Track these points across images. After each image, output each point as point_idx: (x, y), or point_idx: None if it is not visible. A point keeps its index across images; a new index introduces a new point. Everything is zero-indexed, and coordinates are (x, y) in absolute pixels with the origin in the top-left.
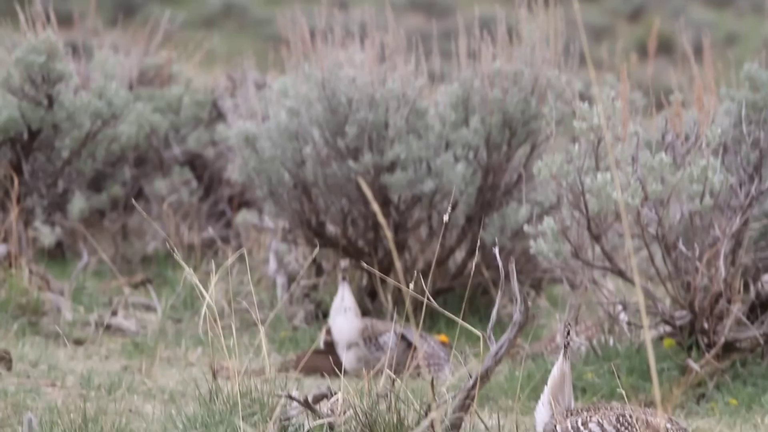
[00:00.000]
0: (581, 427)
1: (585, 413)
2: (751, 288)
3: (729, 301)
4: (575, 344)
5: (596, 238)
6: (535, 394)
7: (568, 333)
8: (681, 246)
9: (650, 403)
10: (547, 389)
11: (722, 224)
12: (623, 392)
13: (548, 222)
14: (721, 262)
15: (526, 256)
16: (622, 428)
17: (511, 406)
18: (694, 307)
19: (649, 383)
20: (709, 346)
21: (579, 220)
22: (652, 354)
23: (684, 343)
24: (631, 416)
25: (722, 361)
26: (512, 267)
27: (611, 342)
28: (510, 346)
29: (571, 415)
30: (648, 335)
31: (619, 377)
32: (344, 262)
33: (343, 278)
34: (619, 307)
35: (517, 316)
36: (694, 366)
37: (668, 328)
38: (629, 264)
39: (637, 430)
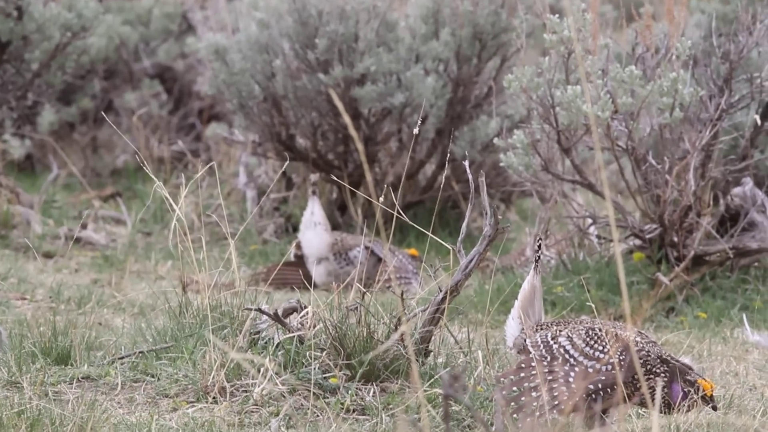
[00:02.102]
0: (551, 341)
1: (555, 327)
2: (721, 201)
3: (698, 215)
4: (545, 258)
5: (566, 151)
6: (505, 308)
7: (539, 247)
8: (651, 159)
9: (620, 317)
10: (517, 303)
11: (692, 137)
12: (593, 306)
13: (518, 135)
14: (690, 176)
15: (496, 169)
16: (592, 342)
17: (481, 320)
18: (663, 221)
19: (619, 297)
20: (679, 259)
21: (549, 134)
22: (621, 267)
23: (653, 257)
24: (600, 330)
25: (691, 275)
26: (482, 180)
27: (581, 256)
28: (480, 260)
29: (541, 329)
30: (617, 249)
31: (588, 291)
32: (314, 177)
33: (313, 192)
34: (589, 221)
35: (486, 230)
36: (664, 279)
37: (638, 242)
38: (599, 177)
39: (606, 343)
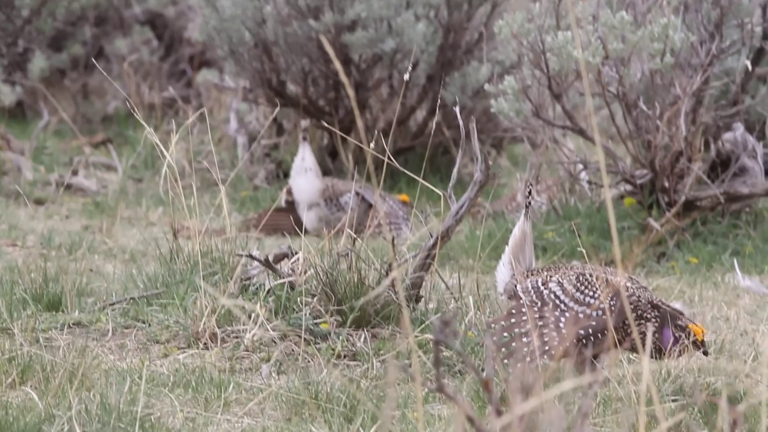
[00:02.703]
0: (542, 287)
1: (546, 273)
2: (712, 146)
3: (689, 160)
4: (536, 203)
5: (557, 97)
6: (496, 254)
7: (530, 192)
8: (642, 105)
9: (610, 262)
10: (508, 249)
11: (683, 83)
12: (583, 251)
13: (509, 81)
14: (681, 121)
15: (487, 115)
16: (583, 287)
17: (472, 266)
18: (654, 166)
19: (610, 242)
20: (670, 204)
21: (540, 79)
22: (612, 213)
23: (644, 202)
24: (591, 275)
25: (683, 220)
26: (473, 126)
27: (572, 201)
28: (471, 206)
29: (532, 274)
30: (608, 194)
31: (579, 236)
32: (305, 123)
33: (304, 138)
34: (580, 166)
35: (477, 175)
36: (655, 225)
37: (629, 187)
38: (590, 123)
39: (597, 289)
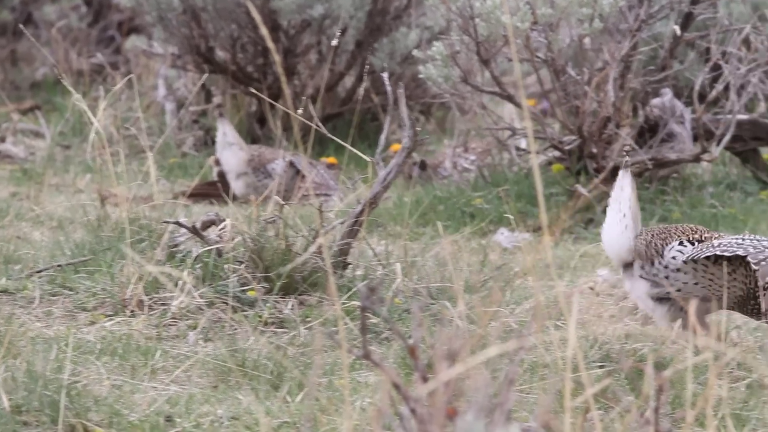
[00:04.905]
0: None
1: (680, 233)
2: (640, 112)
3: (618, 126)
4: (462, 168)
5: (485, 62)
6: (423, 220)
7: (627, 152)
8: (570, 70)
9: (538, 228)
10: (624, 209)
11: (611, 48)
12: (511, 218)
13: (437, 47)
14: (610, 87)
15: (416, 81)
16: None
17: (400, 232)
18: (582, 132)
19: (537, 208)
20: (598, 170)
21: (468, 45)
22: (539, 179)
23: (573, 168)
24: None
25: (610, 186)
26: (401, 92)
27: (500, 168)
28: (398, 172)
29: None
30: (536, 160)
31: (507, 203)
32: (217, 99)
33: (220, 115)
34: (508, 133)
35: (405, 141)
36: (582, 190)
37: (557, 154)
38: (518, 89)
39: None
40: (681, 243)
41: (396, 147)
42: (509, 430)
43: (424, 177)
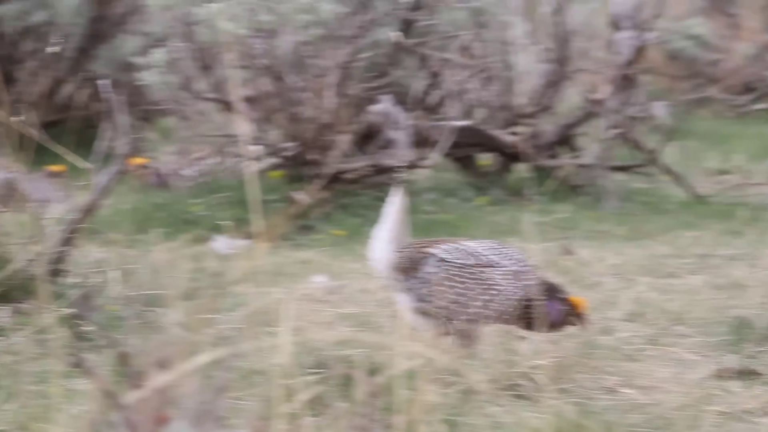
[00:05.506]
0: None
1: (444, 243)
2: (359, 119)
3: (337, 133)
4: (184, 175)
5: (206, 69)
6: (141, 228)
7: (402, 169)
8: (289, 77)
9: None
10: (386, 226)
11: (331, 54)
12: (223, 224)
13: (158, 53)
14: (329, 93)
15: (137, 88)
16: (501, 249)
17: (118, 240)
18: (301, 139)
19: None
20: (317, 177)
21: (189, 52)
22: (256, 185)
23: (293, 175)
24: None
25: (329, 192)
26: (119, 99)
27: (221, 174)
28: (117, 179)
29: (422, 246)
30: (252, 167)
31: (225, 210)
32: None
33: None
34: (228, 140)
35: (122, 148)
36: (298, 197)
37: (277, 160)
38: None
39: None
40: (436, 257)
41: (140, 161)
42: None
43: (161, 185)
